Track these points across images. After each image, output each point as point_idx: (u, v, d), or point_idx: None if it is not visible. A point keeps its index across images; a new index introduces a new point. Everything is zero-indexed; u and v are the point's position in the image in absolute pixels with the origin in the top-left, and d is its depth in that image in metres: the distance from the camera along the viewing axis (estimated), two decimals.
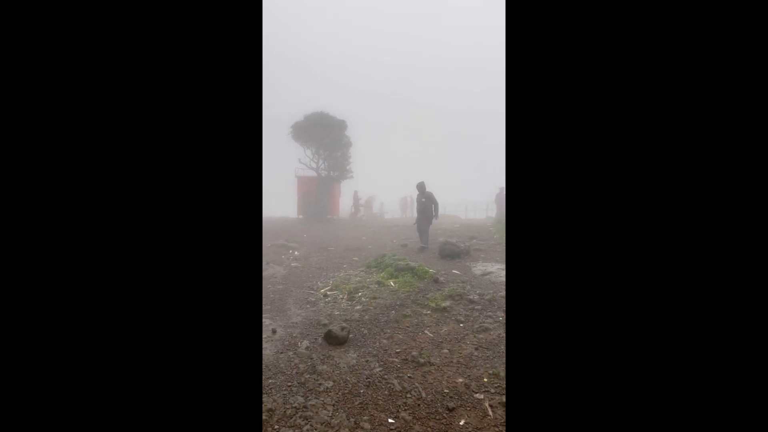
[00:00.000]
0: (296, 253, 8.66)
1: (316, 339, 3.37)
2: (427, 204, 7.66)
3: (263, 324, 3.78)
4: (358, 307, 4.27)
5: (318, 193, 16.35)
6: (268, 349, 3.15)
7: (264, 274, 6.32)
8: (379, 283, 5.23)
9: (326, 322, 3.79)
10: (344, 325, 3.41)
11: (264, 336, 3.44)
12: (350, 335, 3.37)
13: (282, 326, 3.72)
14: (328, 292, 5.01)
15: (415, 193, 8.26)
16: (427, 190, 7.81)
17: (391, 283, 5.12)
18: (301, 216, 16.79)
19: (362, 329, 3.57)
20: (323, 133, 15.68)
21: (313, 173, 16.75)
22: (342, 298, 4.72)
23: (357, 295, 4.75)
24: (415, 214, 8.24)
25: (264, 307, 4.42)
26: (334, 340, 3.23)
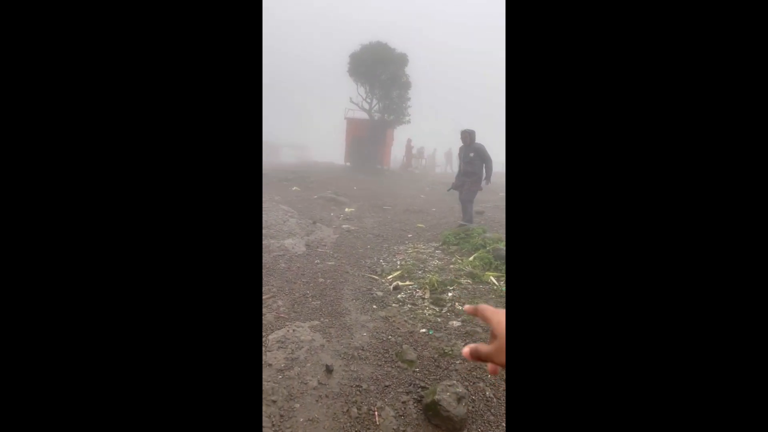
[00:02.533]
0: (347, 210, 7.20)
1: (405, 403, 1.87)
2: (476, 162, 5.35)
3: (312, 341, 2.34)
4: (455, 324, 2.72)
5: (369, 138, 14.58)
6: (320, 424, 1.69)
7: (309, 238, 4.90)
8: (472, 276, 3.61)
9: (413, 357, 2.27)
10: (459, 389, 1.85)
11: (314, 383, 1.98)
12: (470, 406, 1.83)
13: (341, 355, 2.25)
14: (400, 284, 3.48)
15: (457, 145, 5.74)
16: (478, 142, 5.42)
17: (494, 281, 3.49)
18: (348, 163, 15.24)
19: (482, 387, 2.02)
20: (380, 69, 13.51)
21: (365, 115, 14.88)
22: (422, 299, 3.17)
23: (446, 297, 3.18)
24: (455, 170, 5.68)
25: (313, 302, 2.99)
26: (444, 422, 1.70)
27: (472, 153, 5.37)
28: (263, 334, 2.42)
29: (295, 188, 9.06)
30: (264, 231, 4.92)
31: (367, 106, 14.53)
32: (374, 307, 3.01)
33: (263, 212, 5.88)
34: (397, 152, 18.28)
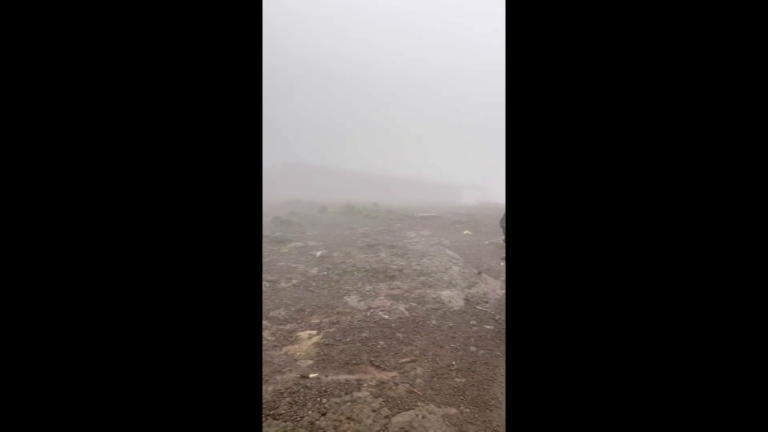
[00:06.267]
0: None
1: None
2: None
3: None
4: None
5: None
6: None
7: (470, 292, 4.36)
8: None
9: None
10: None
11: None
12: None
13: None
14: None
15: None
16: None
17: None
18: None
19: None
20: None
21: None
22: None
23: None
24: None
25: (457, 378, 2.46)
26: None
27: None
28: (389, 410, 2.07)
29: (466, 232, 8.70)
30: (423, 278, 4.71)
31: None
32: None
33: (427, 257, 5.72)
34: None
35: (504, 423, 2.04)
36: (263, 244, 6.69)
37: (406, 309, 3.73)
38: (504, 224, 3.61)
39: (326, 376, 2.41)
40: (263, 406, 2.04)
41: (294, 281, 4.57)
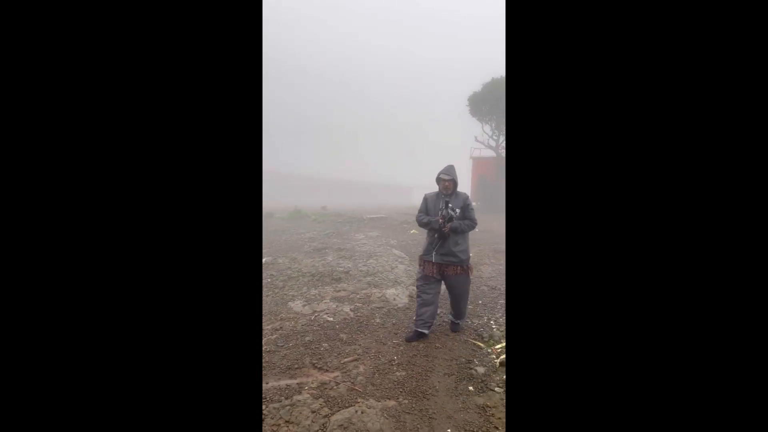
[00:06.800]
0: None
1: None
2: (467, 218, 3.02)
3: None
4: None
5: (497, 176, 13.74)
6: None
7: (414, 289, 4.50)
8: None
9: None
10: None
11: None
12: None
13: None
14: None
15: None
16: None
17: None
18: (476, 203, 14.60)
19: None
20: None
21: (492, 153, 14.20)
22: None
23: None
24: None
25: (397, 373, 2.55)
26: None
27: (458, 208, 2.99)
28: (329, 410, 2.10)
29: (413, 231, 8.92)
30: (369, 279, 4.77)
31: (493, 143, 13.88)
32: (470, 389, 2.38)
33: (373, 257, 5.81)
34: None
35: (439, 410, 2.16)
36: None
37: (351, 310, 3.77)
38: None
39: (266, 384, 2.38)
40: None
41: None
